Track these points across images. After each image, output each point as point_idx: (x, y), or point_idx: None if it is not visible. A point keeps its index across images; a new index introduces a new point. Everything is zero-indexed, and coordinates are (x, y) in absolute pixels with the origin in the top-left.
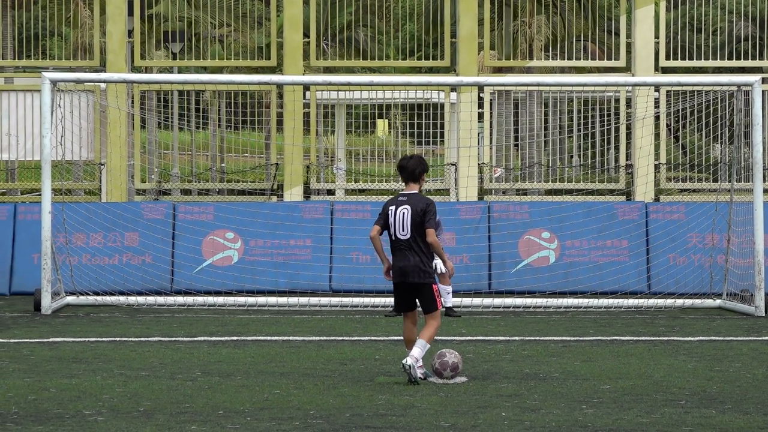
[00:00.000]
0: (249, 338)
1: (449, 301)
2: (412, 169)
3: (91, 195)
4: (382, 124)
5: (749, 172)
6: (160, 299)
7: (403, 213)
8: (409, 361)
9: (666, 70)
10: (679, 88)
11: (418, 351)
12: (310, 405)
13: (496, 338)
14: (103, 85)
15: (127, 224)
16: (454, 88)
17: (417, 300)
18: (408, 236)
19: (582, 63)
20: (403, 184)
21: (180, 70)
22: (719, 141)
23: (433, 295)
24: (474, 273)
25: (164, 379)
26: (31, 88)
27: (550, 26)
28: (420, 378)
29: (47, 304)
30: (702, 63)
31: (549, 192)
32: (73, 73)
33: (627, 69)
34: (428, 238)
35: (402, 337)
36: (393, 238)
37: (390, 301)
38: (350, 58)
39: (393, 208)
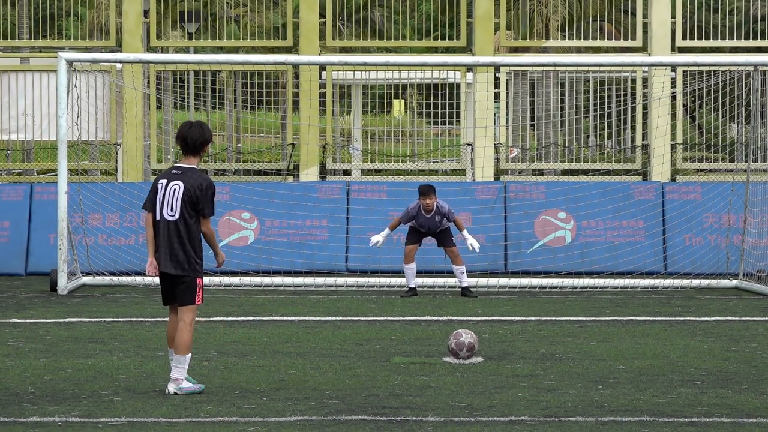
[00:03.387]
0: (265, 318)
1: (465, 281)
2: (194, 140)
3: (107, 175)
4: (398, 104)
5: (766, 152)
6: None
7: (175, 189)
8: (170, 388)
9: (682, 50)
10: (696, 68)
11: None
12: (326, 385)
13: (512, 318)
14: (119, 66)
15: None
16: (470, 68)
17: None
18: (176, 218)
19: (598, 43)
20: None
21: (196, 51)
22: (736, 121)
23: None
24: (490, 253)
25: None
26: (48, 69)
27: (566, 6)
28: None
29: (63, 284)
30: (718, 43)
31: (565, 172)
32: (89, 54)
33: (643, 49)
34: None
35: None
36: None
37: (404, 281)
38: (366, 38)
39: (164, 182)
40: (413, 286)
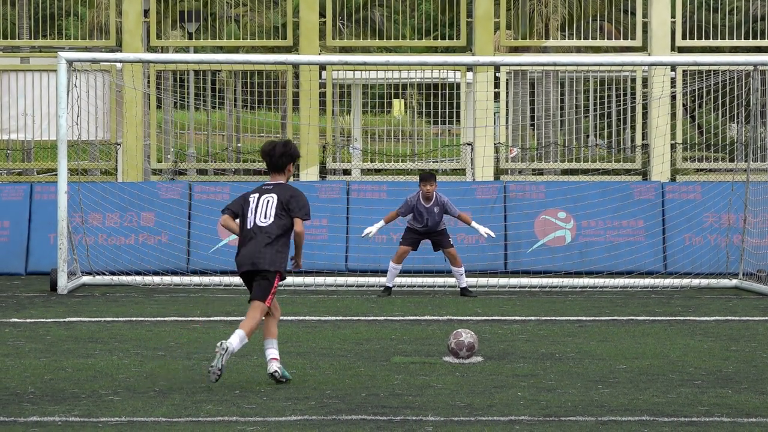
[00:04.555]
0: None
1: (464, 282)
2: (275, 159)
3: (107, 175)
4: (398, 104)
5: (766, 151)
6: (176, 279)
7: (268, 201)
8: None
9: (682, 50)
10: (696, 67)
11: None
12: (326, 385)
13: (512, 318)
14: (119, 65)
15: (144, 204)
16: (470, 67)
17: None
18: (268, 224)
19: (598, 42)
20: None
21: (196, 50)
22: (735, 121)
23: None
24: (490, 253)
25: (180, 358)
26: (48, 68)
27: (566, 5)
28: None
29: (63, 283)
30: (718, 42)
31: (565, 172)
32: (89, 53)
33: (643, 49)
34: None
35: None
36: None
37: (404, 281)
38: (366, 38)
39: (256, 195)
40: (390, 285)
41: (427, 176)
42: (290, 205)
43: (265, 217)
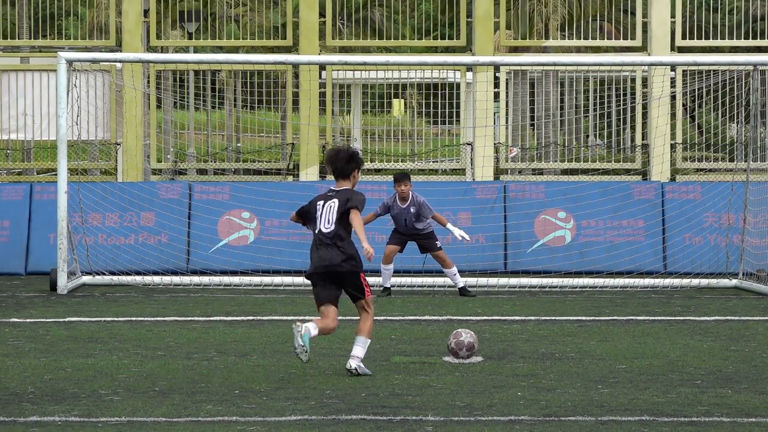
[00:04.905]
0: (265, 318)
1: (459, 282)
2: (340, 167)
3: (107, 175)
4: (397, 104)
5: (765, 151)
6: (176, 279)
7: (331, 206)
8: (352, 363)
9: (682, 50)
10: (696, 67)
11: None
12: (326, 385)
13: (512, 318)
14: (118, 65)
15: (143, 204)
16: (470, 67)
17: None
18: (332, 229)
19: (598, 42)
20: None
21: (196, 50)
22: (735, 120)
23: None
24: (490, 253)
25: (180, 358)
26: (47, 68)
27: (566, 5)
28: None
29: (63, 283)
30: (718, 42)
31: (565, 172)
32: (89, 53)
33: (643, 48)
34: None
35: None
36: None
37: (403, 281)
38: (366, 38)
39: (321, 203)
40: (388, 286)
41: (401, 176)
42: (347, 204)
43: (329, 223)
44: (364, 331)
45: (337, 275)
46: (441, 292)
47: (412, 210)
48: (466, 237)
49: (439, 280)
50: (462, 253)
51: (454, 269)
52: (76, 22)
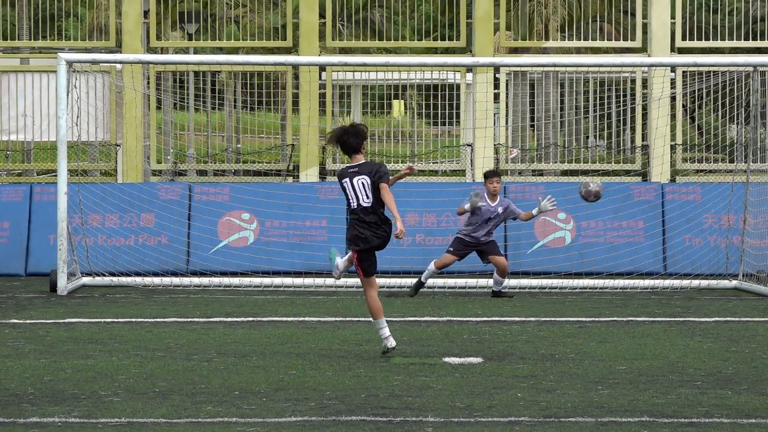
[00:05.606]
0: (265, 319)
1: (500, 288)
2: (349, 144)
3: (106, 176)
4: (397, 105)
5: (765, 152)
6: (176, 280)
7: (362, 183)
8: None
9: (682, 51)
10: (695, 68)
11: None
12: (326, 386)
13: (512, 319)
14: (118, 66)
15: (143, 205)
16: (469, 68)
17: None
18: (371, 202)
19: (598, 43)
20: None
21: (196, 51)
22: (735, 122)
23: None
24: None
25: (180, 359)
26: (47, 69)
27: (566, 6)
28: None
29: (63, 284)
30: (718, 43)
31: (565, 173)
32: (89, 54)
33: (643, 50)
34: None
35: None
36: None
37: (403, 282)
38: (366, 39)
39: (347, 180)
40: (425, 281)
41: (492, 173)
42: (376, 177)
43: (368, 198)
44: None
45: (380, 247)
46: (441, 293)
47: (500, 210)
48: (553, 201)
49: (439, 282)
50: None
51: (506, 280)
52: (76, 23)
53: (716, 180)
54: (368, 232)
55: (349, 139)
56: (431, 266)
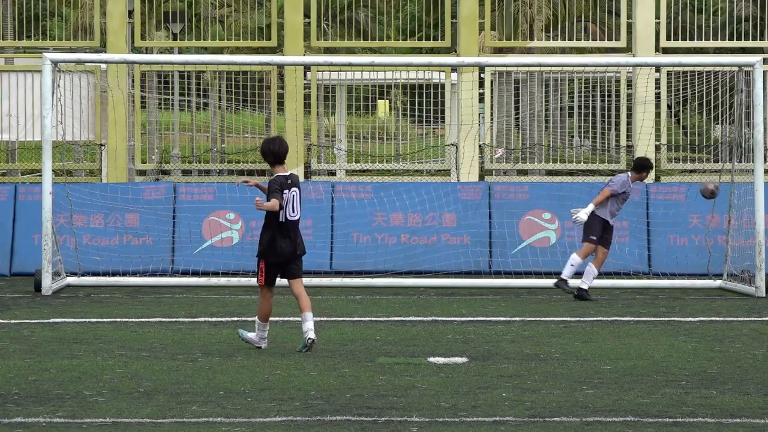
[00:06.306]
0: (250, 319)
1: (584, 283)
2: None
3: (91, 176)
4: (382, 105)
5: (750, 152)
6: (161, 280)
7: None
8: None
9: (667, 51)
10: (680, 68)
11: None
12: (311, 386)
13: (497, 319)
14: (103, 66)
15: (128, 205)
16: (454, 68)
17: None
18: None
19: (583, 43)
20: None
21: (180, 51)
22: (720, 122)
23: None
24: (475, 252)
25: (165, 359)
26: (32, 69)
27: (550, 6)
28: None
29: (48, 284)
30: (703, 43)
31: (550, 172)
32: (73, 54)
33: (628, 49)
34: None
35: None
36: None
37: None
38: (351, 39)
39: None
40: (567, 278)
41: (651, 165)
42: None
43: (294, 211)
44: (309, 305)
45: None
46: (426, 293)
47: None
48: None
49: (424, 281)
50: (446, 251)
51: (596, 272)
52: (61, 22)
53: (701, 180)
54: (285, 245)
55: (283, 149)
56: (576, 260)
